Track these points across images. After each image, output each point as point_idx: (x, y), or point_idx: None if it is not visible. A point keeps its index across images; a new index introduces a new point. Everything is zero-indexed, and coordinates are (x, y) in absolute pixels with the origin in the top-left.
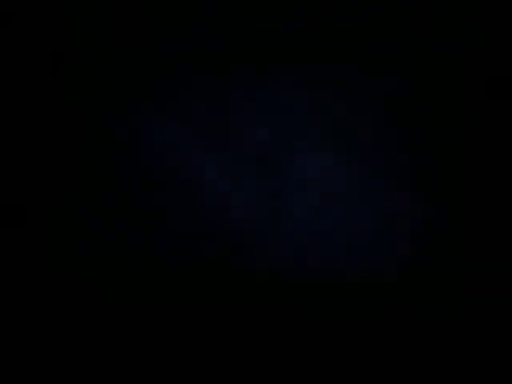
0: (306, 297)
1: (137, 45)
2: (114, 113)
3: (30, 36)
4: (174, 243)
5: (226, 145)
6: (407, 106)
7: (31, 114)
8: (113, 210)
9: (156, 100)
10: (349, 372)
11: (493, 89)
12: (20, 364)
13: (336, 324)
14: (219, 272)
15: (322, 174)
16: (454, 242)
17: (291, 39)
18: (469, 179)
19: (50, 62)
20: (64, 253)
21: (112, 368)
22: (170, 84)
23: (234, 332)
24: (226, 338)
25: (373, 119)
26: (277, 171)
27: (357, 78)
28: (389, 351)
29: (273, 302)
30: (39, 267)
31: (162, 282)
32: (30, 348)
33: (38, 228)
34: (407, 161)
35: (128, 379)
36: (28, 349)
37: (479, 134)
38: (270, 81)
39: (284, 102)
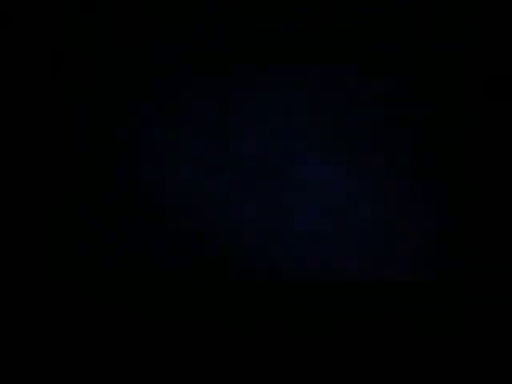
0: (306, 297)
1: (137, 45)
2: (113, 113)
3: (30, 36)
4: (173, 243)
5: (226, 144)
6: (407, 106)
7: (31, 113)
8: (113, 210)
9: (156, 100)
10: (349, 372)
11: (493, 89)
12: (20, 363)
13: (336, 324)
14: (219, 272)
15: (321, 174)
16: (453, 242)
17: (291, 39)
18: (469, 179)
19: (50, 62)
20: (64, 253)
21: (111, 368)
22: (170, 84)
23: (233, 333)
24: (226, 339)
25: (373, 119)
26: (277, 172)
27: (357, 78)
28: (388, 351)
29: (273, 302)
30: (39, 267)
31: (162, 282)
32: (30, 348)
33: (38, 228)
34: (407, 161)
35: (128, 379)
36: (27, 348)
37: (479, 134)
38: (269, 81)
39: (284, 102)
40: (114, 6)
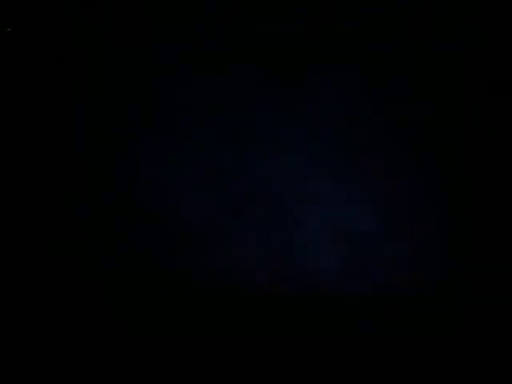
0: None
1: (137, 45)
2: (113, 113)
3: (30, 36)
4: (173, 243)
5: (227, 144)
6: (407, 106)
7: (31, 113)
8: (113, 210)
9: (156, 100)
10: (349, 372)
11: (493, 89)
12: (19, 363)
13: (336, 324)
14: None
15: (321, 174)
16: (453, 242)
17: (291, 39)
18: (469, 179)
19: (50, 62)
20: (64, 253)
21: (111, 368)
22: (170, 84)
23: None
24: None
25: (373, 119)
26: (278, 170)
27: (357, 78)
28: (388, 351)
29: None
30: (39, 267)
31: (162, 282)
32: (30, 347)
33: (38, 228)
34: (407, 161)
35: (128, 379)
36: (27, 348)
37: (479, 134)
38: (269, 81)
39: (284, 102)
40: (113, 5)
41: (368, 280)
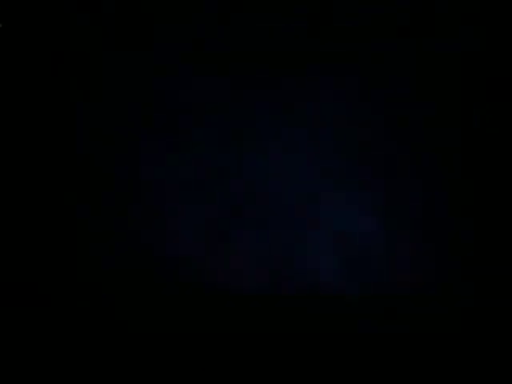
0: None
1: (137, 45)
2: (113, 113)
3: (31, 36)
4: (173, 243)
5: (227, 143)
6: (407, 106)
7: (31, 114)
8: (113, 210)
9: (156, 100)
10: (349, 372)
11: (493, 89)
12: (20, 363)
13: (336, 324)
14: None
15: (321, 174)
16: (453, 242)
17: (291, 39)
18: (468, 179)
19: (51, 62)
20: (64, 253)
21: (111, 367)
22: (170, 84)
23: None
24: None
25: (373, 119)
26: (278, 170)
27: (357, 78)
28: (389, 351)
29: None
30: (39, 267)
31: (162, 282)
32: (30, 347)
33: (38, 228)
34: (407, 161)
35: (128, 379)
36: (27, 347)
37: (479, 134)
38: (269, 80)
39: (284, 102)
40: (113, 5)
41: (368, 280)
